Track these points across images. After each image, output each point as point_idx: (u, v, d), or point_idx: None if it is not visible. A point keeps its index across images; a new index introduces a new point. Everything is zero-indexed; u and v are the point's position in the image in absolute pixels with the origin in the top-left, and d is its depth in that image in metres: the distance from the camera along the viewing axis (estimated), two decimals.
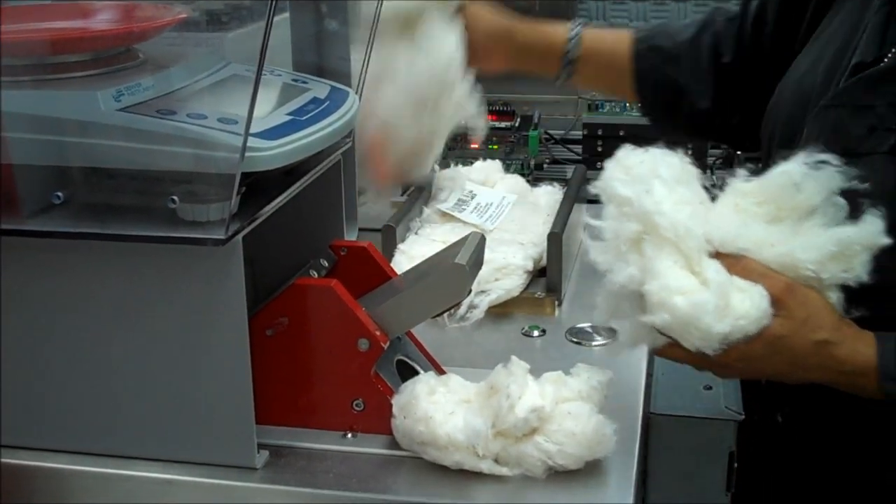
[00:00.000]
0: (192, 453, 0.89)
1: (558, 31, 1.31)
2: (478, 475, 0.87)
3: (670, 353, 0.89)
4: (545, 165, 1.76)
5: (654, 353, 0.94)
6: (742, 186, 0.91)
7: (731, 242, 0.89)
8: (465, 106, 1.30)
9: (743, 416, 0.95)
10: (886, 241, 0.88)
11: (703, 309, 0.84)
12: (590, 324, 1.14)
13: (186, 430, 0.89)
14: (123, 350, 0.88)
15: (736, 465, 0.95)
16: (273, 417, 0.93)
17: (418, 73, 1.24)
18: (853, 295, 0.89)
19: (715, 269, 0.87)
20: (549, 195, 1.40)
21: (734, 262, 0.88)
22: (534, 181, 1.51)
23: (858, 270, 0.88)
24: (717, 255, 0.88)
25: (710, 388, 1.00)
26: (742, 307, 0.85)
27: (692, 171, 0.92)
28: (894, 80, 0.96)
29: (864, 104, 0.97)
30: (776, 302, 0.87)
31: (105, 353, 0.88)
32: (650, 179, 0.89)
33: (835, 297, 0.89)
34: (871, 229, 0.88)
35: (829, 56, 1.06)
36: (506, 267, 1.20)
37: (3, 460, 0.91)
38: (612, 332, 1.10)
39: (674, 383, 1.01)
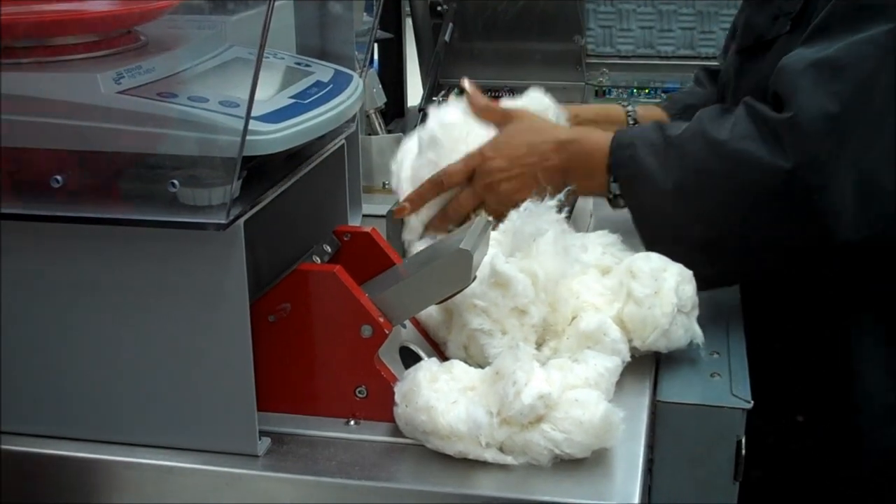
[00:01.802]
0: (193, 440, 0.88)
1: (614, 109, 1.43)
2: (482, 463, 0.86)
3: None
4: None
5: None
6: None
7: None
8: None
9: (751, 405, 0.94)
10: None
11: None
12: None
13: (187, 417, 0.88)
14: (123, 336, 0.87)
15: (744, 453, 0.94)
16: (275, 404, 0.92)
17: None
18: None
19: None
20: None
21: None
22: None
23: None
24: None
25: (719, 375, 0.99)
26: None
27: None
28: None
29: None
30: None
31: (105, 339, 0.88)
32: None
33: None
34: None
35: None
36: None
37: (4, 447, 0.90)
38: None
39: (681, 371, 1.00)
